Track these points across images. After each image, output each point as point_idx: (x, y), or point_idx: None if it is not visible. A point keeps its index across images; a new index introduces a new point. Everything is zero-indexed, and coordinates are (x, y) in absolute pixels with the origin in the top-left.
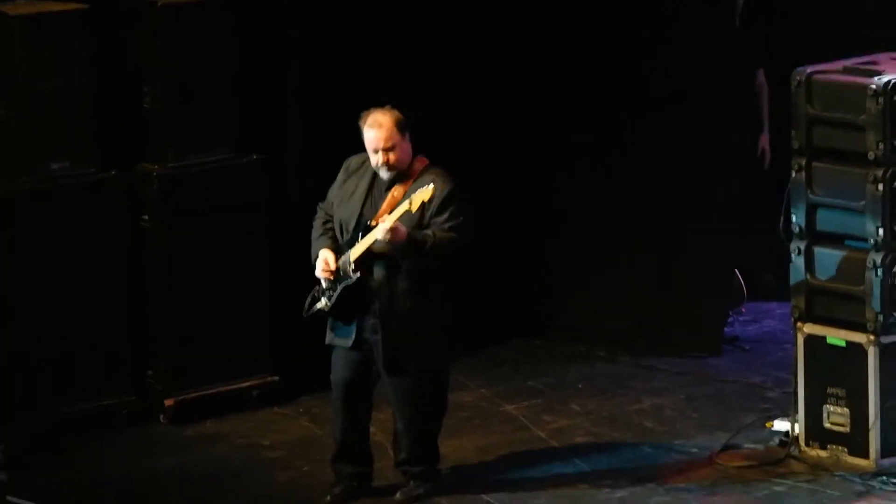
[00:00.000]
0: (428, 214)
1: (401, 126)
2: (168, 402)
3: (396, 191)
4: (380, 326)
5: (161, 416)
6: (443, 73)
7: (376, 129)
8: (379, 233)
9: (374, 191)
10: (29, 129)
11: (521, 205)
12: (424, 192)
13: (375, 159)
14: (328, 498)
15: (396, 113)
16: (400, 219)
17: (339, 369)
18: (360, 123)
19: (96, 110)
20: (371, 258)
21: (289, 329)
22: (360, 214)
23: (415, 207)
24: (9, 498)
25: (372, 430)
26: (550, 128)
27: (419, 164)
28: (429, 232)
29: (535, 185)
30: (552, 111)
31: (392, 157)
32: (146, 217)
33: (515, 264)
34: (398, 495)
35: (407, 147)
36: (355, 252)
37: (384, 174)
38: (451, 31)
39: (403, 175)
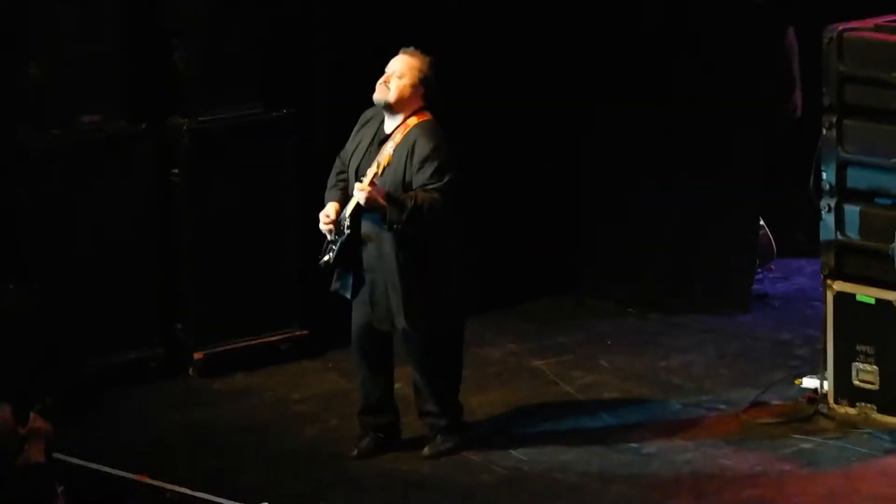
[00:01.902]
0: (409, 172)
1: (424, 76)
2: (197, 356)
3: (388, 145)
4: (366, 275)
5: (190, 370)
6: (480, 24)
7: (402, 55)
8: (357, 195)
9: (374, 143)
10: (60, 82)
11: (553, 162)
12: (385, 158)
13: (380, 79)
14: (355, 451)
15: (431, 65)
16: (384, 177)
17: (354, 321)
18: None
19: (127, 64)
20: (360, 214)
21: (318, 283)
22: (358, 166)
23: (380, 171)
24: (56, 455)
25: (399, 385)
26: (587, 89)
27: (416, 118)
28: (412, 192)
29: (567, 144)
30: (589, 72)
31: (393, 83)
32: (176, 171)
33: (546, 221)
34: (426, 449)
35: (413, 96)
36: (348, 208)
37: (376, 95)
38: None
39: (394, 123)
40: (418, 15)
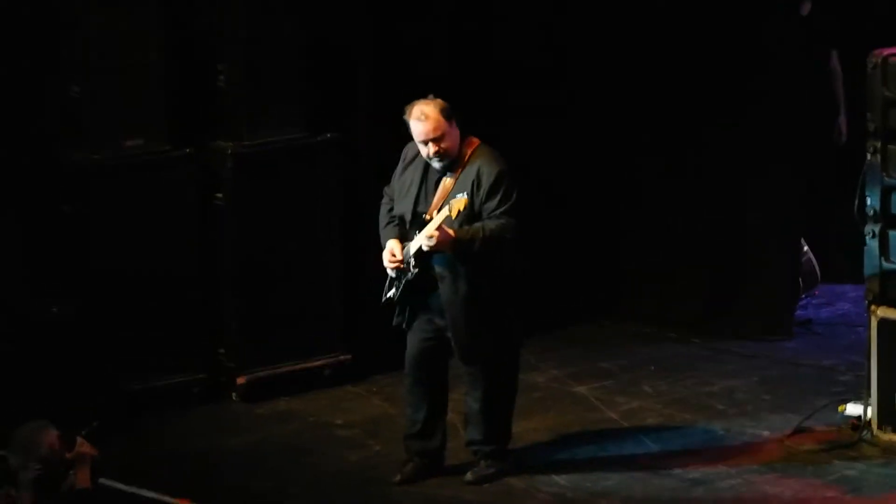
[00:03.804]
0: (478, 201)
1: (446, 113)
2: (240, 380)
3: (448, 181)
4: (446, 313)
5: (233, 394)
6: (522, 54)
7: (423, 121)
8: (422, 239)
9: (428, 182)
10: (103, 105)
11: (594, 187)
12: (460, 202)
13: (426, 150)
14: (398, 476)
15: (440, 101)
16: (457, 219)
17: (410, 347)
18: (406, 117)
19: (171, 88)
20: (428, 253)
21: (362, 308)
22: (415, 207)
23: (454, 214)
24: (101, 480)
25: None
26: (627, 111)
27: (468, 148)
28: (478, 225)
29: (608, 168)
30: (629, 97)
31: (442, 145)
32: (220, 195)
33: (587, 246)
34: (469, 475)
35: (455, 133)
36: (412, 248)
37: (436, 164)
38: (535, 9)
39: (454, 163)
40: (455, 39)
